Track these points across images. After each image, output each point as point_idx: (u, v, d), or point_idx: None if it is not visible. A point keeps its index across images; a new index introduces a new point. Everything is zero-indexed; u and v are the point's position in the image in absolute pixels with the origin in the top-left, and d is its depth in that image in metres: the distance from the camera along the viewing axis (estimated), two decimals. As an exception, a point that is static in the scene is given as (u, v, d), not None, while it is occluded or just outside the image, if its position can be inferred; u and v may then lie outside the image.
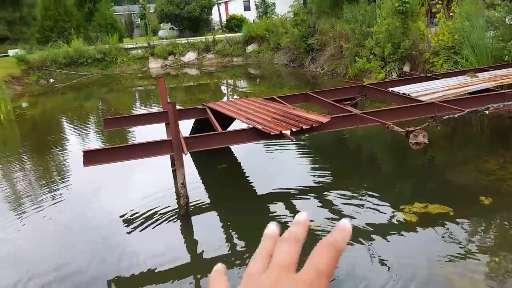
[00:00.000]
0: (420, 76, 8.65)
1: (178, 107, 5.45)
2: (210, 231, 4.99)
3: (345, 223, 0.47)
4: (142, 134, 9.64)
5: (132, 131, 10.26)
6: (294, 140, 6.28)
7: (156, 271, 4.20)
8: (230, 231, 4.96)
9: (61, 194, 6.48)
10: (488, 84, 6.74)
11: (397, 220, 4.79)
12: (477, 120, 8.41)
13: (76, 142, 9.99)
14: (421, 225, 4.60)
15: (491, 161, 6.29)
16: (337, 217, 4.97)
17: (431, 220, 4.70)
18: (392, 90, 6.94)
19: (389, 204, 5.16)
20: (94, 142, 9.91)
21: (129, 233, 5.05)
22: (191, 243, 4.81)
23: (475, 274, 3.73)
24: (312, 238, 4.35)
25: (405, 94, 6.61)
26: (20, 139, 11.36)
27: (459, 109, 5.60)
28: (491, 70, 8.06)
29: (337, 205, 5.28)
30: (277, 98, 7.17)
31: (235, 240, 4.71)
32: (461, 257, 3.99)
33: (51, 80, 20.85)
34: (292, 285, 0.43)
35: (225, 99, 13.11)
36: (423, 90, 6.75)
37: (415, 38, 12.14)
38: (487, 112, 5.51)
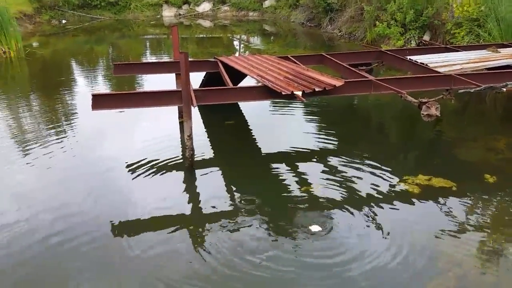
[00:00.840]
0: (440, 47, 8.40)
1: (189, 58, 5.35)
2: (212, 185, 5.03)
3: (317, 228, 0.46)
4: (151, 84, 9.57)
5: (141, 80, 10.18)
6: (305, 102, 6.22)
7: (157, 218, 4.29)
8: (232, 186, 5.00)
9: (67, 136, 6.52)
10: (509, 60, 6.54)
11: (399, 190, 4.80)
12: (492, 97, 8.24)
13: (85, 86, 9.96)
14: (423, 197, 4.62)
15: (501, 140, 6.21)
16: (338, 181, 4.99)
17: (433, 193, 4.70)
18: (410, 59, 6.77)
19: (393, 174, 5.16)
20: (103, 87, 9.86)
21: (133, 180, 5.12)
22: (193, 195, 4.87)
23: (470, 248, 3.77)
24: (315, 200, 4.40)
25: (423, 63, 6.45)
26: (29, 78, 11.33)
27: (476, 84, 5.47)
28: (514, 47, 7.80)
29: (341, 170, 5.28)
30: (291, 57, 7.03)
31: (236, 196, 4.76)
32: (458, 231, 4.02)
33: (63, 21, 20.51)
34: None
35: (237, 54, 12.88)
36: (441, 61, 6.58)
37: (439, 7, 11.72)
38: (504, 89, 5.38)
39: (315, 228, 3.97)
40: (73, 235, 4.02)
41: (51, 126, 7.02)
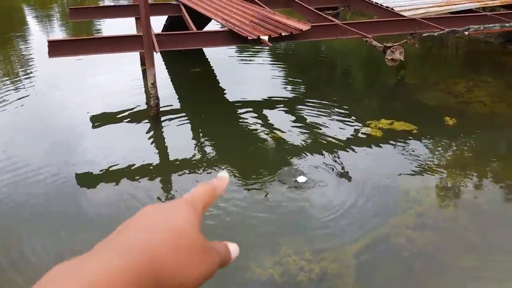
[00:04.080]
0: (406, -9, 8.33)
1: (150, 1, 5.08)
2: (179, 134, 4.98)
3: (224, 174, 0.52)
4: (110, 29, 9.12)
5: (100, 26, 9.69)
6: (270, 48, 6.12)
7: (122, 168, 4.23)
8: (199, 135, 4.97)
9: (24, 87, 6.21)
10: (472, 4, 6.60)
11: (362, 134, 4.91)
12: (453, 42, 8.38)
13: (40, 33, 9.39)
14: (385, 140, 4.76)
15: (461, 83, 6.39)
16: (305, 128, 5.05)
17: (395, 136, 4.85)
18: (375, 2, 6.71)
19: (357, 119, 5.26)
20: (59, 34, 9.33)
21: (96, 130, 4.99)
22: (159, 144, 4.81)
23: (429, 187, 3.96)
24: (283, 145, 4.43)
25: (388, 7, 6.42)
26: (-23, 24, 10.54)
27: (440, 27, 5.51)
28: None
29: (307, 117, 5.33)
30: (256, 0, 6.81)
31: (204, 144, 4.75)
32: (418, 171, 4.20)
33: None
34: (167, 207, 0.43)
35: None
36: (407, 5, 6.56)
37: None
38: (466, 33, 5.46)
39: (301, 179, 3.99)
40: (36, 187, 3.93)
41: (6, 77, 6.64)
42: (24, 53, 7.94)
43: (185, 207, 0.45)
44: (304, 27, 5.19)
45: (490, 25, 5.70)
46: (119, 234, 0.42)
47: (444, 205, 3.75)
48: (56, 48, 4.73)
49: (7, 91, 6.04)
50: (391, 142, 4.73)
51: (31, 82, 6.40)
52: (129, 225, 0.42)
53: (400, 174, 4.14)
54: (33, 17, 11.08)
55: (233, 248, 0.49)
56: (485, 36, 7.87)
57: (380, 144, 4.69)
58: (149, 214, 0.44)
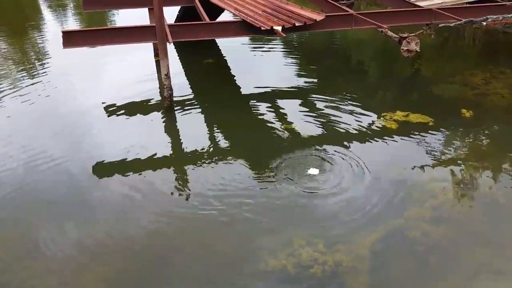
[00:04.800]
0: (421, -20, 8.18)
1: (163, -9, 5.06)
2: (193, 124, 4.98)
3: None
4: (124, 20, 9.14)
5: (113, 17, 9.71)
6: (284, 39, 6.07)
7: (137, 159, 4.25)
8: (213, 126, 4.96)
9: (39, 77, 6.26)
10: (491, -6, 6.44)
11: (377, 126, 4.86)
12: (470, 33, 8.21)
13: (54, 23, 9.45)
14: (400, 133, 4.70)
15: (478, 75, 6.27)
16: (318, 119, 5.01)
17: (410, 128, 4.79)
18: (391, -8, 6.60)
19: (371, 110, 5.20)
20: (73, 25, 9.38)
21: (110, 120, 5.01)
22: (173, 136, 4.82)
23: (445, 181, 3.91)
24: (296, 136, 4.42)
25: (404, -3, 6.30)
26: (-7, 15, 10.64)
27: (456, 18, 5.41)
28: (496, -20, 7.66)
29: (321, 108, 5.29)
30: (270, -9, 6.74)
31: (217, 136, 4.74)
32: (434, 164, 4.14)
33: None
34: None
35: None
36: (423, -5, 6.44)
37: None
38: (484, 23, 5.34)
39: (313, 171, 3.98)
40: (51, 176, 3.97)
41: (21, 67, 6.70)
42: (39, 43, 8.00)
43: None
44: (318, 17, 5.13)
45: (510, 15, 5.56)
46: None
47: (460, 199, 3.70)
48: (70, 39, 4.75)
49: (22, 81, 6.10)
50: (406, 134, 4.67)
51: (46, 72, 6.45)
52: None
53: (415, 167, 4.09)
54: (47, 7, 11.14)
55: None
56: (504, 27, 7.70)
57: (395, 136, 4.64)
58: None
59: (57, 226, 3.38)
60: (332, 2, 6.15)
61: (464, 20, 5.39)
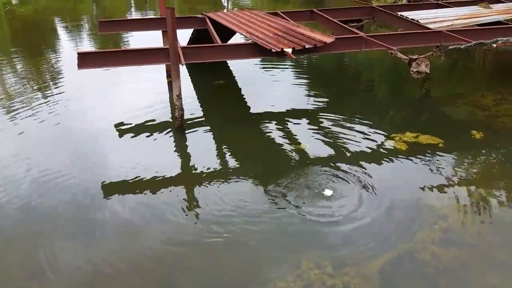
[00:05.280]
0: (431, 3, 8.28)
1: (176, 15, 5.19)
2: (203, 145, 5.04)
3: None
4: (137, 42, 9.35)
5: (127, 39, 9.94)
6: (294, 60, 6.15)
7: (147, 179, 4.30)
8: (223, 146, 5.01)
9: (53, 97, 6.41)
10: (501, 16, 6.49)
11: (387, 147, 4.86)
12: (481, 54, 8.23)
13: (70, 45, 9.70)
14: (410, 154, 4.69)
15: (488, 96, 6.26)
16: (328, 140, 5.03)
17: (420, 149, 4.78)
18: (401, 15, 6.68)
19: (381, 132, 5.21)
20: (88, 46, 9.61)
21: (122, 140, 5.09)
22: (183, 156, 4.87)
23: (455, 202, 3.87)
24: (306, 157, 4.44)
25: (414, 20, 6.37)
26: (11, 37, 10.97)
27: (466, 40, 5.44)
28: (506, 2, 7.71)
29: (331, 129, 5.31)
30: (281, 13, 6.88)
31: (227, 156, 4.78)
32: (444, 186, 4.12)
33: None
34: None
35: (225, 11, 12.56)
36: (432, 17, 6.51)
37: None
38: (494, 45, 5.37)
39: (328, 192, 3.99)
40: (61, 195, 4.03)
41: (36, 87, 6.88)
42: (54, 64, 8.20)
43: None
44: (328, 39, 5.21)
45: (519, 38, 5.58)
46: None
47: (470, 221, 3.66)
48: (85, 60, 4.88)
49: (37, 101, 6.24)
50: (416, 155, 4.66)
51: (59, 92, 6.60)
52: None
53: (425, 188, 4.07)
54: (63, 29, 11.46)
55: None
56: (514, 49, 7.71)
57: (405, 158, 4.63)
58: None
59: (63, 245, 3.41)
60: (342, 24, 6.24)
61: (474, 42, 5.42)
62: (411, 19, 6.46)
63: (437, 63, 6.90)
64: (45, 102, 6.18)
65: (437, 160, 4.57)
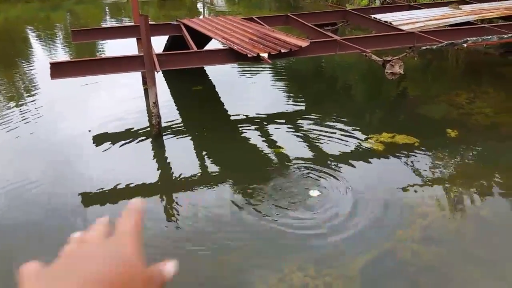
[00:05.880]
0: (404, 5, 8.44)
1: (150, 22, 5.15)
2: (181, 152, 4.99)
3: (136, 201, 0.58)
4: (112, 51, 9.24)
5: (102, 48, 9.81)
6: (271, 64, 6.17)
7: (125, 188, 4.23)
8: (202, 152, 4.98)
9: (28, 108, 6.26)
10: (470, 17, 6.65)
11: (364, 148, 4.91)
12: (453, 54, 8.42)
13: (43, 55, 9.51)
14: (387, 154, 4.74)
15: (462, 95, 6.40)
16: (307, 142, 5.05)
17: (396, 149, 4.84)
18: (374, 17, 6.78)
19: (358, 133, 5.26)
20: (62, 56, 9.45)
21: (99, 150, 5.01)
22: (161, 164, 4.82)
23: (433, 200, 3.93)
24: (283, 161, 4.43)
25: (387, 22, 6.48)
26: (-18, 48, 10.70)
27: (438, 40, 5.55)
28: (475, 3, 7.92)
29: (309, 131, 5.34)
30: (256, 19, 6.90)
31: (206, 162, 4.75)
32: (422, 184, 4.18)
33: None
34: (108, 245, 0.49)
35: (201, 17, 12.54)
36: (405, 19, 6.62)
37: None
38: (465, 45, 5.49)
39: (314, 193, 4.00)
40: (35, 207, 3.93)
41: (10, 99, 6.71)
42: (27, 74, 8.03)
43: (126, 239, 0.50)
44: (303, 43, 5.24)
45: (489, 37, 5.73)
46: (72, 262, 0.46)
47: (449, 218, 3.72)
48: (58, 70, 4.79)
49: (11, 112, 6.09)
50: (393, 155, 4.72)
51: (34, 102, 6.46)
52: (79, 254, 0.47)
53: (403, 188, 4.11)
54: (36, 38, 11.25)
55: (170, 267, 0.53)
56: (485, 47, 7.91)
57: (382, 158, 4.68)
58: (94, 247, 0.48)
59: (41, 258, 3.31)
60: (317, 28, 6.30)
61: (445, 42, 5.53)
62: (384, 21, 6.56)
63: (411, 63, 7.02)
64: (19, 112, 6.03)
65: (414, 159, 4.63)
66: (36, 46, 10.39)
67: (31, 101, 6.52)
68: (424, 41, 5.70)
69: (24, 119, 5.82)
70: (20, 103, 6.49)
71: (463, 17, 6.70)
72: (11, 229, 3.68)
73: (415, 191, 4.07)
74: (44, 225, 3.70)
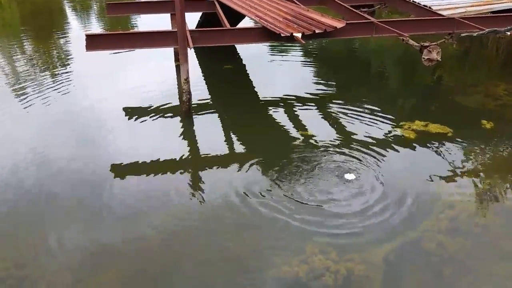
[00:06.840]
0: (445, -11, 8.10)
1: (185, -3, 5.13)
2: (210, 129, 5.03)
3: None
4: (146, 25, 9.30)
5: (136, 23, 9.89)
6: (304, 45, 6.08)
7: (154, 162, 4.31)
8: (230, 131, 5.00)
9: (62, 80, 6.42)
10: (515, 3, 6.33)
11: (395, 135, 4.82)
12: (494, 42, 8.07)
13: (78, 27, 9.68)
14: (418, 142, 4.65)
15: (500, 86, 6.17)
16: (336, 127, 5.00)
17: (429, 138, 4.73)
18: (413, 1, 6.55)
19: (390, 119, 5.16)
20: (97, 29, 9.59)
21: (129, 124, 5.10)
22: (190, 140, 4.87)
23: (463, 192, 3.84)
24: (312, 144, 4.42)
25: (426, 6, 6.25)
26: (20, 20, 10.97)
27: (479, 27, 5.33)
28: (521, -11, 7.52)
29: (339, 116, 5.27)
30: (291, -2, 6.77)
31: (234, 141, 4.78)
32: (452, 175, 4.08)
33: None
34: None
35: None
36: (445, 4, 6.38)
37: None
38: (508, 33, 5.25)
39: (349, 176, 3.99)
40: (68, 176, 4.06)
41: (45, 69, 6.89)
42: (63, 46, 8.21)
43: None
44: (339, 24, 5.13)
45: (534, 26, 5.45)
46: None
47: (478, 211, 3.63)
48: (93, 42, 4.86)
49: (46, 84, 6.26)
50: (424, 144, 4.62)
51: (68, 75, 6.61)
52: None
53: (433, 177, 4.03)
54: (72, 11, 11.43)
55: None
56: (529, 37, 7.54)
57: (413, 146, 4.59)
58: None
59: (72, 226, 3.45)
60: (353, 9, 6.14)
61: (487, 29, 5.31)
62: (423, 5, 6.33)
63: (449, 50, 6.79)
64: (52, 84, 6.20)
65: (446, 150, 4.52)
66: (72, 18, 10.58)
67: (65, 73, 6.68)
68: (465, 27, 5.49)
69: (57, 90, 5.98)
70: (54, 73, 6.65)
71: (507, 3, 6.39)
72: (42, 194, 3.82)
73: (445, 182, 3.98)
74: (74, 192, 3.83)
